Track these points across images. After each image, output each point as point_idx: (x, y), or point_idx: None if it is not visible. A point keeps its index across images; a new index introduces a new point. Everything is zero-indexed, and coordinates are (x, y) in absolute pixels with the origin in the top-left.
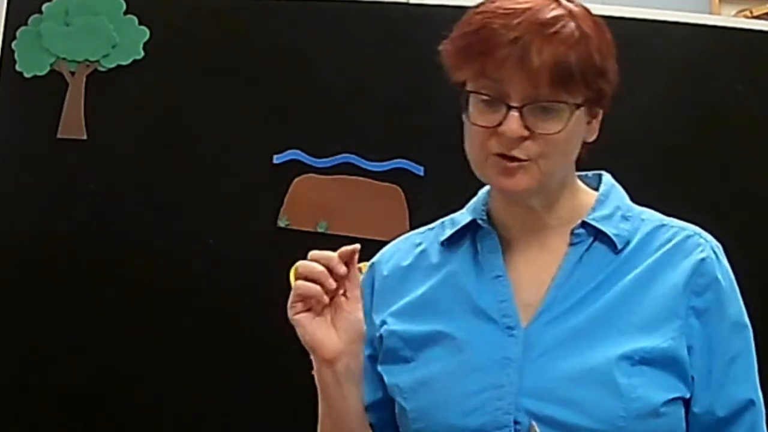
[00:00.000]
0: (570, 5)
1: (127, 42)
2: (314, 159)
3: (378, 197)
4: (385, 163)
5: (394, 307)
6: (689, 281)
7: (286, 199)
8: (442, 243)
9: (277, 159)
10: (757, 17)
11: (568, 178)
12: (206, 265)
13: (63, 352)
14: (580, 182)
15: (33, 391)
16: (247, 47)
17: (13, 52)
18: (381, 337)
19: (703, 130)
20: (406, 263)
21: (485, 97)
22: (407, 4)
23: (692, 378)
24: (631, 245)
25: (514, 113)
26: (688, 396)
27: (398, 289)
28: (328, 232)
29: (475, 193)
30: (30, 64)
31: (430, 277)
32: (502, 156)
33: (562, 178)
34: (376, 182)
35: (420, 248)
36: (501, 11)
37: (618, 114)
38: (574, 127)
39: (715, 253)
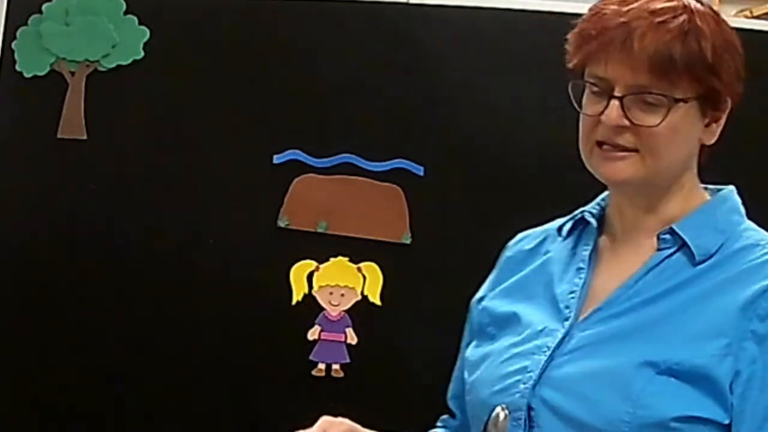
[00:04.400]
0: (690, 1)
1: (127, 42)
2: (314, 159)
3: (378, 197)
4: (385, 163)
5: (501, 287)
6: (754, 303)
7: (286, 199)
8: (558, 231)
9: (277, 159)
10: (757, 17)
11: (682, 180)
12: (206, 265)
13: (63, 351)
14: (703, 192)
15: (34, 391)
16: (247, 47)
17: (13, 52)
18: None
19: None
20: (528, 247)
21: (594, 88)
22: (407, 4)
23: (732, 404)
24: (714, 259)
25: (615, 102)
26: (725, 422)
27: (513, 270)
28: (328, 232)
29: (475, 193)
30: (30, 64)
31: (536, 261)
32: (604, 144)
33: (671, 179)
34: (376, 182)
35: (544, 235)
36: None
37: None
38: (679, 124)
39: None
